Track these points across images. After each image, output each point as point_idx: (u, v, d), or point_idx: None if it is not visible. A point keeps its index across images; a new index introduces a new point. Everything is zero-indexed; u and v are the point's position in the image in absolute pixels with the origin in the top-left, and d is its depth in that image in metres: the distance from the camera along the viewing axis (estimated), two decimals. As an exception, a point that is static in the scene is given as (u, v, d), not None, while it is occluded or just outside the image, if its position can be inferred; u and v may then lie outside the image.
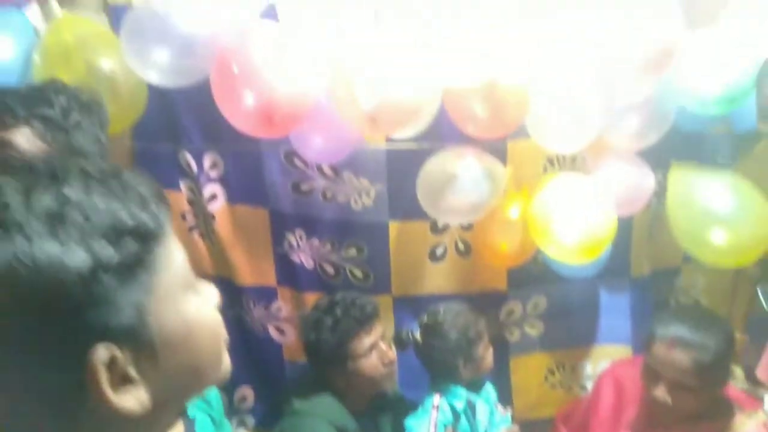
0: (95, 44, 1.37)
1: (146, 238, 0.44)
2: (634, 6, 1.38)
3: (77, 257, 0.39)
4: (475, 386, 1.60)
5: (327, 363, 1.51)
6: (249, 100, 1.28)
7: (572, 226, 1.53)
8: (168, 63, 1.30)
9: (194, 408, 1.17)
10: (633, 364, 1.48)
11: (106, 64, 1.36)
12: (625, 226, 1.70)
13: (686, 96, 1.52)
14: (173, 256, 0.47)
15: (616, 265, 1.80)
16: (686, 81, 1.48)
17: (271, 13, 1.34)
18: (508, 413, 1.66)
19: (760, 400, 1.37)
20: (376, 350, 1.51)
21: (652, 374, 1.32)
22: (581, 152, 1.69)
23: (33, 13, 1.36)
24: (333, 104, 1.40)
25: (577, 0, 1.41)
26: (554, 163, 1.76)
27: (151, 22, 1.28)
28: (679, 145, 1.72)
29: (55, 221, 0.40)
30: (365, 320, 1.50)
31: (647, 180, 1.67)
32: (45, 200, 0.40)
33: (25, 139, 0.88)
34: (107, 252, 0.41)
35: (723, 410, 1.35)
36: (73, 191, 0.41)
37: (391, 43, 1.34)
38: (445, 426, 1.50)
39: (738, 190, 1.54)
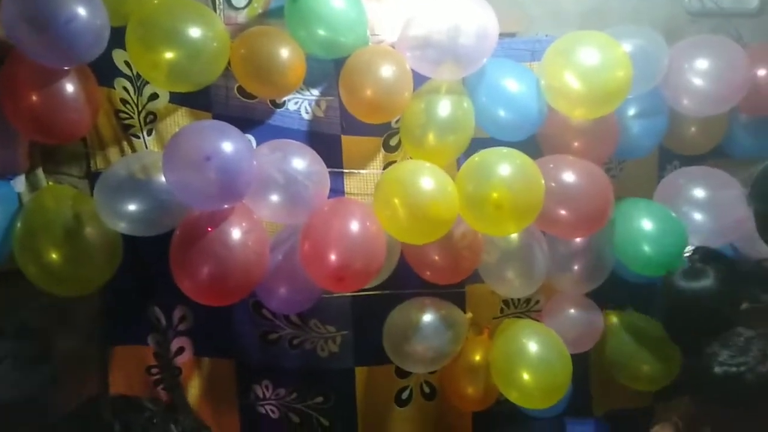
0: (74, 209, 1.46)
1: None
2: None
3: None
4: None
5: None
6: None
7: (531, 370, 1.61)
8: (138, 214, 1.40)
9: None
10: None
11: (82, 226, 1.44)
12: (581, 365, 1.78)
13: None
14: None
15: (578, 403, 1.85)
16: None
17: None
18: None
19: None
20: None
21: None
22: (534, 294, 1.81)
23: (19, 183, 1.45)
24: (299, 261, 1.49)
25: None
26: (509, 305, 1.86)
27: (126, 180, 1.40)
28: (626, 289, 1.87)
29: None
30: None
31: (597, 319, 1.79)
32: None
33: None
34: None
35: None
36: None
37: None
38: None
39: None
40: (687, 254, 1.62)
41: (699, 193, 1.69)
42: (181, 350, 1.65)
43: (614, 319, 1.80)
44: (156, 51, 1.40)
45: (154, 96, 1.58)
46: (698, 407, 1.09)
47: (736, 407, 1.02)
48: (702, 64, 1.69)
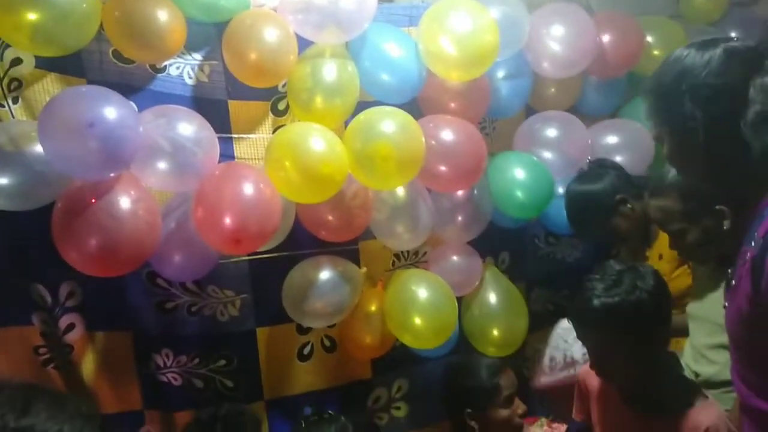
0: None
1: None
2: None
3: None
4: None
5: None
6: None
7: (422, 314, 1.75)
8: (12, 188, 1.33)
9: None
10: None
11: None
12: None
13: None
14: None
15: (465, 343, 2.04)
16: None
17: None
18: None
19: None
20: None
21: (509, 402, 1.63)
22: (421, 246, 1.95)
23: None
24: (194, 226, 1.50)
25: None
26: (401, 257, 1.99)
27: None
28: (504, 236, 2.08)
29: None
30: None
31: (477, 264, 1.98)
32: None
33: None
34: None
35: None
36: None
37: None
38: None
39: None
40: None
41: (551, 132, 1.92)
42: (71, 327, 1.58)
43: (487, 272, 2.00)
44: (17, 12, 1.31)
45: (17, 61, 1.47)
46: (579, 333, 1.27)
47: (612, 331, 1.19)
48: (558, 30, 1.89)
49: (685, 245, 1.32)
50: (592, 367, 1.28)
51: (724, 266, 1.20)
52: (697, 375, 1.37)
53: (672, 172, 1.33)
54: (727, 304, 1.00)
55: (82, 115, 1.21)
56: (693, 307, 1.45)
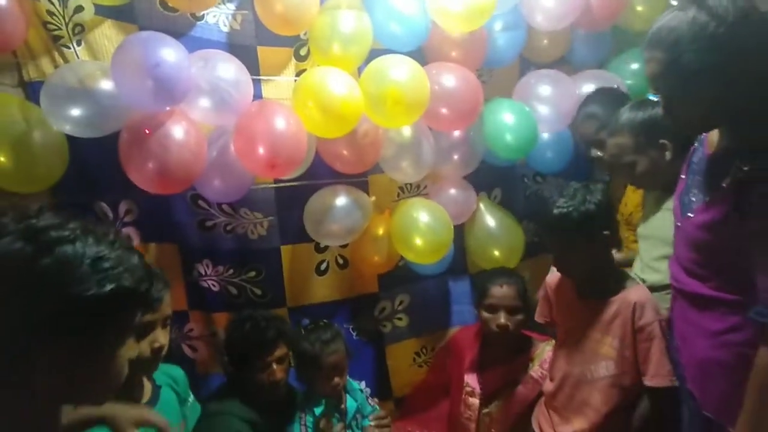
0: (17, 114, 1.60)
1: None
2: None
3: None
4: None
5: (240, 368, 1.81)
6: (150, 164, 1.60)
7: (422, 235, 2.06)
8: (84, 119, 1.58)
9: (161, 379, 1.43)
10: (467, 329, 2.04)
11: (27, 130, 1.59)
12: (459, 234, 2.28)
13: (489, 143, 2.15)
14: None
15: (457, 264, 2.36)
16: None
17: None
18: (376, 405, 2.05)
19: (549, 335, 1.98)
20: (270, 368, 1.75)
21: (491, 310, 1.91)
22: (423, 180, 2.24)
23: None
24: (234, 155, 1.77)
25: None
26: (405, 190, 2.28)
27: (71, 88, 1.56)
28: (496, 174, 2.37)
29: None
30: (267, 343, 1.76)
31: (471, 197, 2.27)
32: None
33: None
34: None
35: (528, 344, 1.97)
36: None
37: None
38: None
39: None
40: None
41: (544, 90, 2.16)
42: (129, 239, 1.89)
43: (481, 204, 2.29)
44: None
45: (79, 8, 1.70)
46: (545, 237, 1.60)
47: (567, 234, 1.51)
48: (549, -16, 2.10)
49: (636, 175, 1.61)
50: (554, 264, 1.61)
51: (667, 193, 1.50)
52: (644, 282, 1.68)
53: (624, 115, 1.61)
54: (691, 215, 1.25)
55: (150, 57, 1.46)
56: (642, 228, 1.74)
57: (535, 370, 1.93)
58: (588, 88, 2.23)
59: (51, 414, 0.83)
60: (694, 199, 1.27)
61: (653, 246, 1.66)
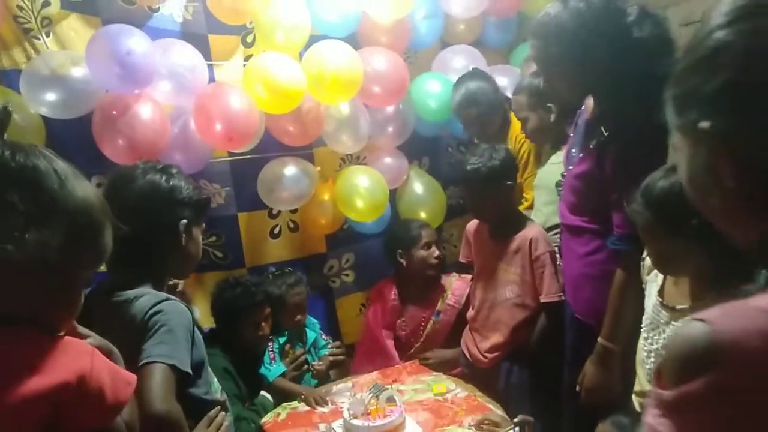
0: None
1: None
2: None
3: None
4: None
5: (227, 325, 2.06)
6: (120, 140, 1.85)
7: (362, 197, 2.38)
8: (59, 102, 1.80)
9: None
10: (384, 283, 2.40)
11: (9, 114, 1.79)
12: (393, 199, 2.61)
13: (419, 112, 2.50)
14: None
15: (393, 227, 2.69)
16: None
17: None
18: (329, 339, 2.38)
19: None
20: (259, 327, 2.04)
21: (426, 247, 2.31)
22: (361, 151, 2.56)
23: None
24: (194, 131, 2.03)
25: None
26: (346, 160, 2.60)
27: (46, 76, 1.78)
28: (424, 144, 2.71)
29: None
30: (258, 305, 2.05)
31: (404, 164, 2.61)
32: None
33: None
34: None
35: (438, 282, 2.37)
36: None
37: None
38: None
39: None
40: None
41: (458, 62, 2.53)
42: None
43: (411, 171, 2.64)
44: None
45: (46, 3, 1.90)
46: (462, 190, 1.96)
47: (477, 185, 1.86)
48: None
49: (529, 130, 2.00)
50: (471, 211, 1.98)
51: (554, 149, 1.89)
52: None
53: (527, 79, 1.98)
54: (572, 167, 1.60)
55: (122, 45, 1.70)
56: (535, 180, 2.13)
57: (449, 298, 2.31)
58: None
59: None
60: (574, 154, 1.65)
61: (543, 193, 2.05)
